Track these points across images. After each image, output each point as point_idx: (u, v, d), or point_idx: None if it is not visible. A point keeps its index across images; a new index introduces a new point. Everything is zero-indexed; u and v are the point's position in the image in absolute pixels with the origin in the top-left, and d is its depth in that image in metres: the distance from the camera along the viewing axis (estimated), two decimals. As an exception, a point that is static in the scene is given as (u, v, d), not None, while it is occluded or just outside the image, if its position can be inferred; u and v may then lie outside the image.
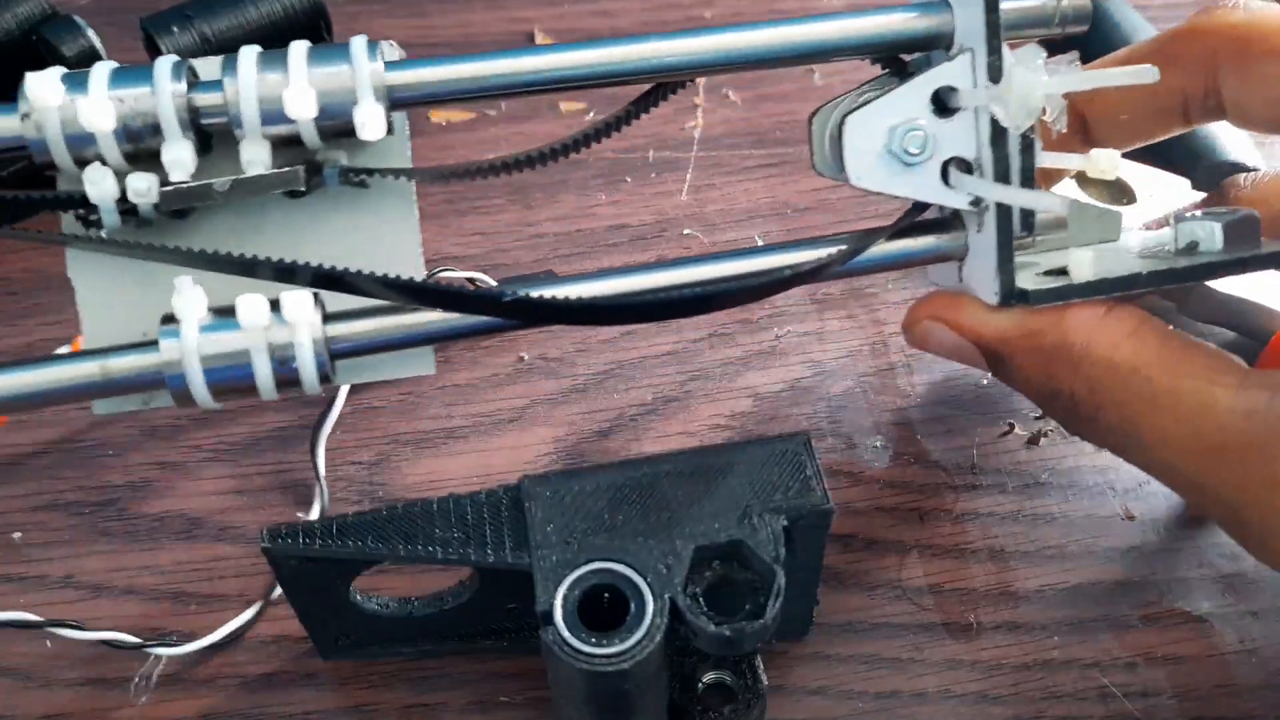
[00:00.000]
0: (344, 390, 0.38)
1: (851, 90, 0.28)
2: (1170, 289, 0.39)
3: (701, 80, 0.48)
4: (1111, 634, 0.34)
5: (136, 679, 0.33)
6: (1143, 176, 0.41)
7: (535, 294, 0.25)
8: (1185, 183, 0.41)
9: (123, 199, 0.25)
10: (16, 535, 0.35)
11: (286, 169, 0.26)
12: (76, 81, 0.25)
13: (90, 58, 0.42)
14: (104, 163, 0.25)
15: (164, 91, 0.25)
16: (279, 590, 0.31)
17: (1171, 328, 0.28)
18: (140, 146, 0.25)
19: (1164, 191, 0.41)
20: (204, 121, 0.25)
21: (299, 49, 0.25)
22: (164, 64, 0.25)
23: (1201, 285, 0.38)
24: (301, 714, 0.32)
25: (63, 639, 0.33)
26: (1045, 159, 0.27)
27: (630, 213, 0.44)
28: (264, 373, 0.25)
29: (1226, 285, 0.38)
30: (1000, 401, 0.39)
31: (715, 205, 0.44)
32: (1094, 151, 0.25)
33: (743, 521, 0.28)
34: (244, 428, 0.38)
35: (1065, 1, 0.27)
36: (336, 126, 0.25)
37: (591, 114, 0.47)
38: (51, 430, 0.37)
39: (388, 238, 0.27)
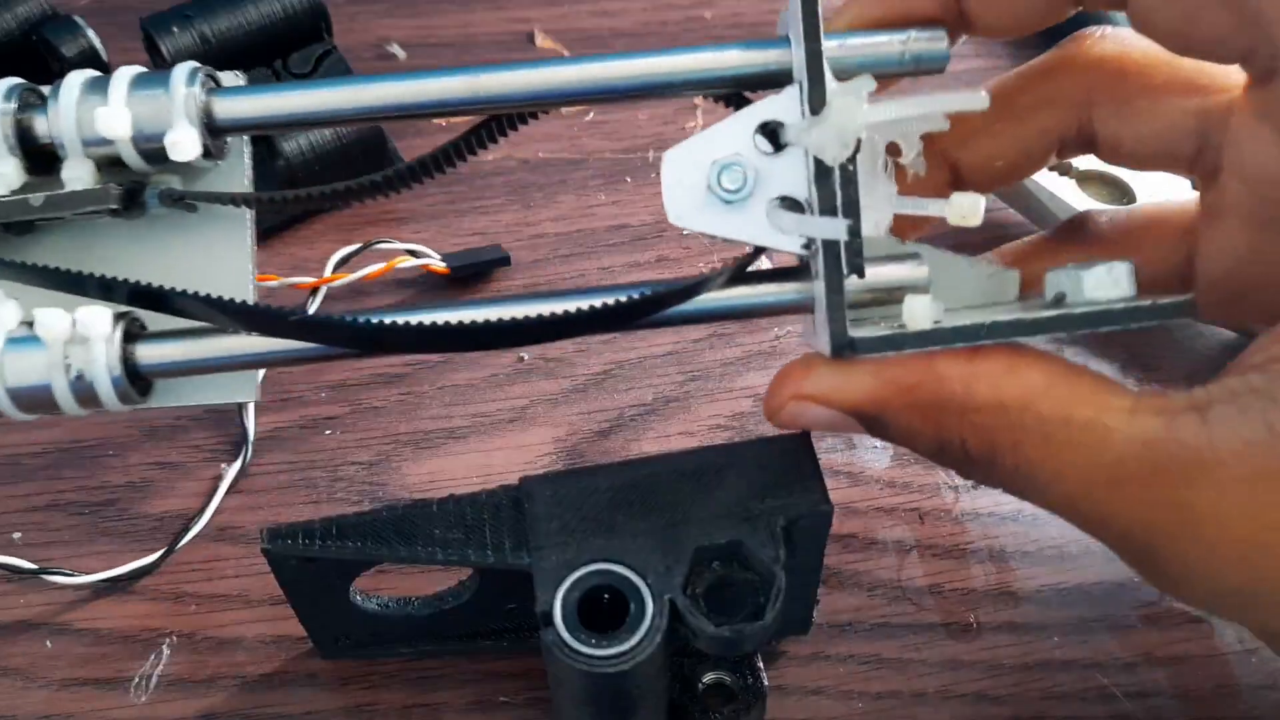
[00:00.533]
0: (250, 415, 0.37)
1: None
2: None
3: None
4: (1111, 634, 0.34)
5: (136, 679, 0.33)
6: (1143, 176, 0.41)
7: (355, 320, 0.25)
8: (1186, 183, 0.41)
9: None
10: (16, 535, 0.35)
11: (98, 187, 0.26)
12: None
13: (90, 58, 0.42)
14: None
15: None
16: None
17: (1048, 353, 0.26)
18: None
19: (1165, 191, 0.41)
20: (36, 142, 0.26)
21: (124, 74, 0.26)
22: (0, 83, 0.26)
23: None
24: (301, 714, 0.32)
25: (63, 639, 0.33)
26: (903, 204, 0.25)
27: (630, 213, 0.44)
28: (61, 388, 0.25)
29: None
30: (1000, 401, 0.39)
31: (715, 205, 0.44)
32: (955, 196, 0.24)
33: (743, 522, 0.28)
34: (244, 427, 0.38)
35: (914, 41, 0.25)
36: (154, 149, 0.26)
37: (591, 114, 0.47)
38: (51, 430, 0.37)
39: (219, 262, 0.28)
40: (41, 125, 0.26)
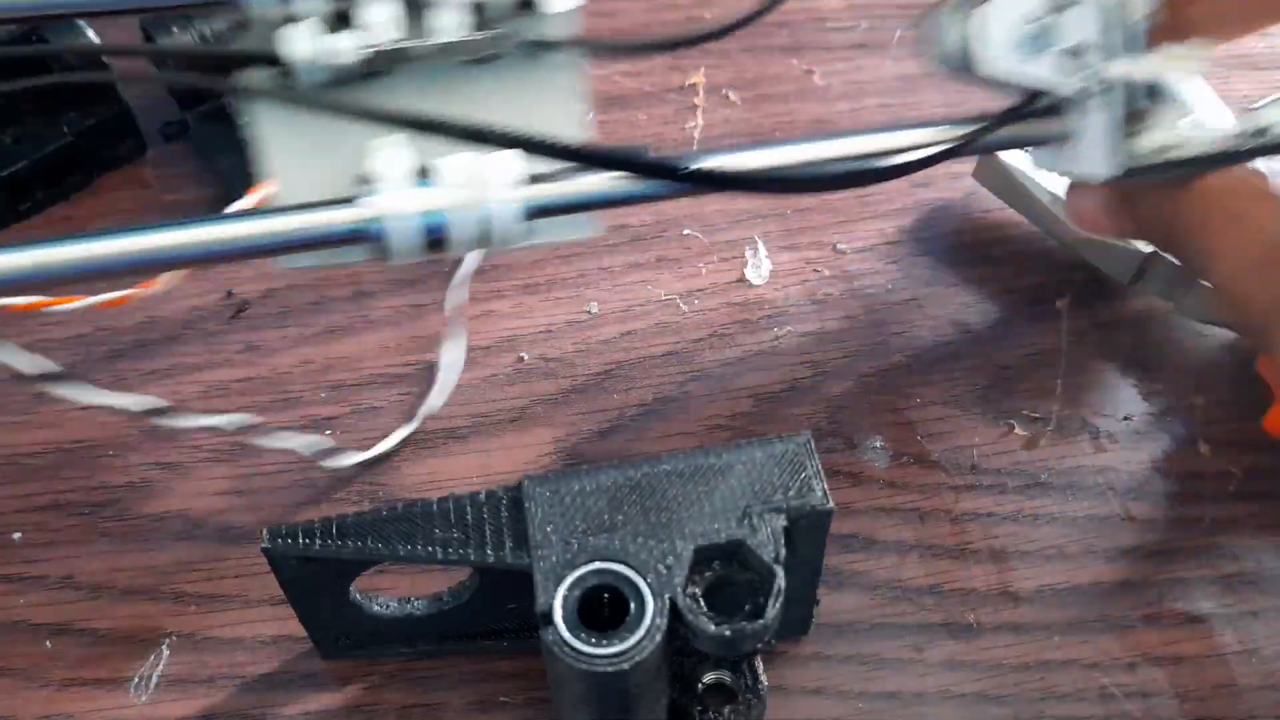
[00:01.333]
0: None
1: None
2: (1171, 289, 0.39)
3: (701, 80, 0.49)
4: (1111, 634, 0.34)
5: (136, 679, 0.33)
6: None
7: (712, 165, 0.28)
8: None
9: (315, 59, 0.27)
10: (16, 535, 0.35)
11: (485, 34, 0.28)
12: None
13: (90, 58, 0.42)
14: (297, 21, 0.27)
15: None
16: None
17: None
18: (341, 5, 0.27)
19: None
20: None
21: None
22: None
23: (1200, 286, 0.38)
24: (301, 714, 0.32)
25: (63, 639, 0.33)
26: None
27: (630, 212, 0.44)
28: (461, 230, 0.27)
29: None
30: (1000, 401, 0.39)
31: (715, 205, 0.44)
32: (1189, 42, 0.29)
33: (743, 522, 0.28)
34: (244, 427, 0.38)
35: None
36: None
37: (590, 114, 0.47)
38: (51, 430, 0.37)
39: (556, 107, 0.30)
40: None
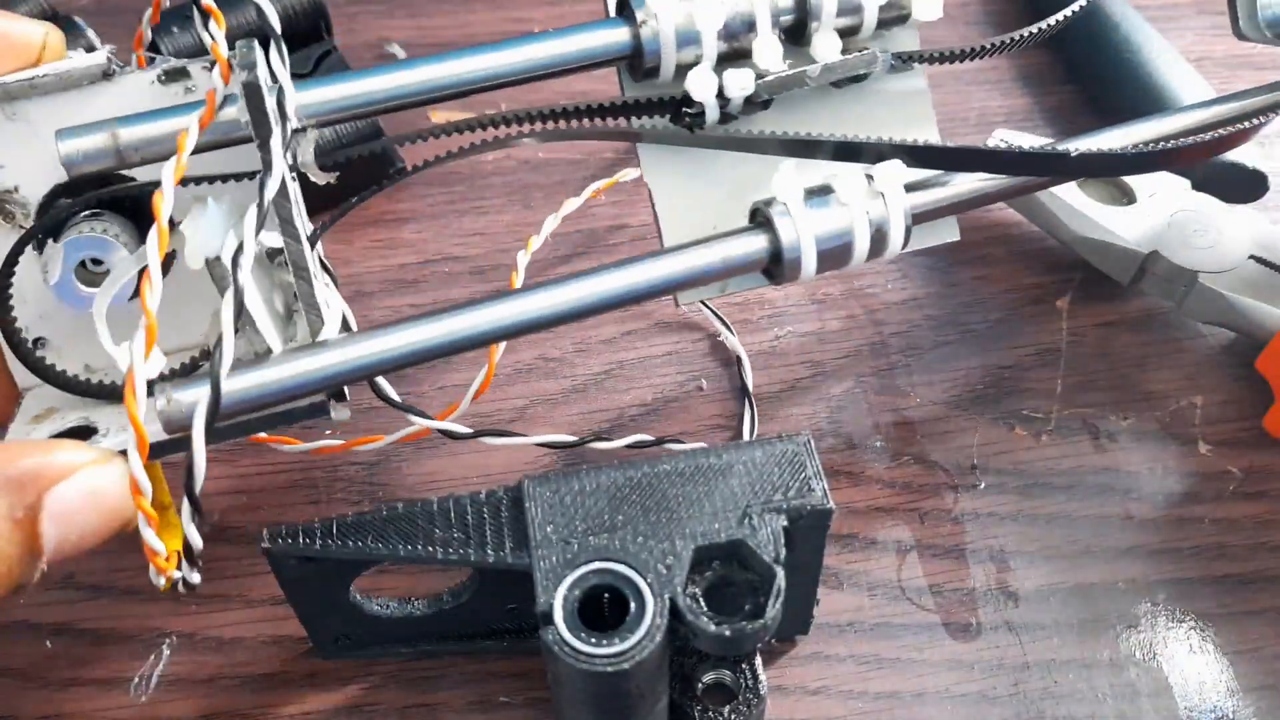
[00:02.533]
0: None
1: None
2: (1171, 289, 0.39)
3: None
4: (1111, 634, 0.34)
5: (136, 679, 0.33)
6: (1143, 176, 0.41)
7: (1094, 149, 0.30)
8: (1185, 183, 0.41)
9: (719, 96, 0.29)
10: (16, 535, 0.35)
11: (865, 53, 0.29)
12: None
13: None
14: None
15: None
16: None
17: None
18: (735, 45, 0.28)
19: (1165, 191, 0.41)
20: (784, 19, 0.29)
21: None
22: None
23: (1200, 286, 0.38)
24: (301, 714, 0.32)
25: (63, 639, 0.33)
26: None
27: (630, 213, 0.44)
28: (862, 241, 0.29)
29: (1226, 288, 0.38)
30: (1001, 400, 0.39)
31: (715, 205, 0.44)
32: None
33: (743, 521, 0.28)
34: (244, 428, 0.38)
35: None
36: (892, 15, 0.29)
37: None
38: (51, 430, 0.37)
39: (910, 117, 0.31)
40: (790, 3, 0.29)
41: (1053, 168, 0.30)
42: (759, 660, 0.31)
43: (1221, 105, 0.33)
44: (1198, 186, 0.41)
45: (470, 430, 0.34)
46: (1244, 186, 0.42)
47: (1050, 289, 0.42)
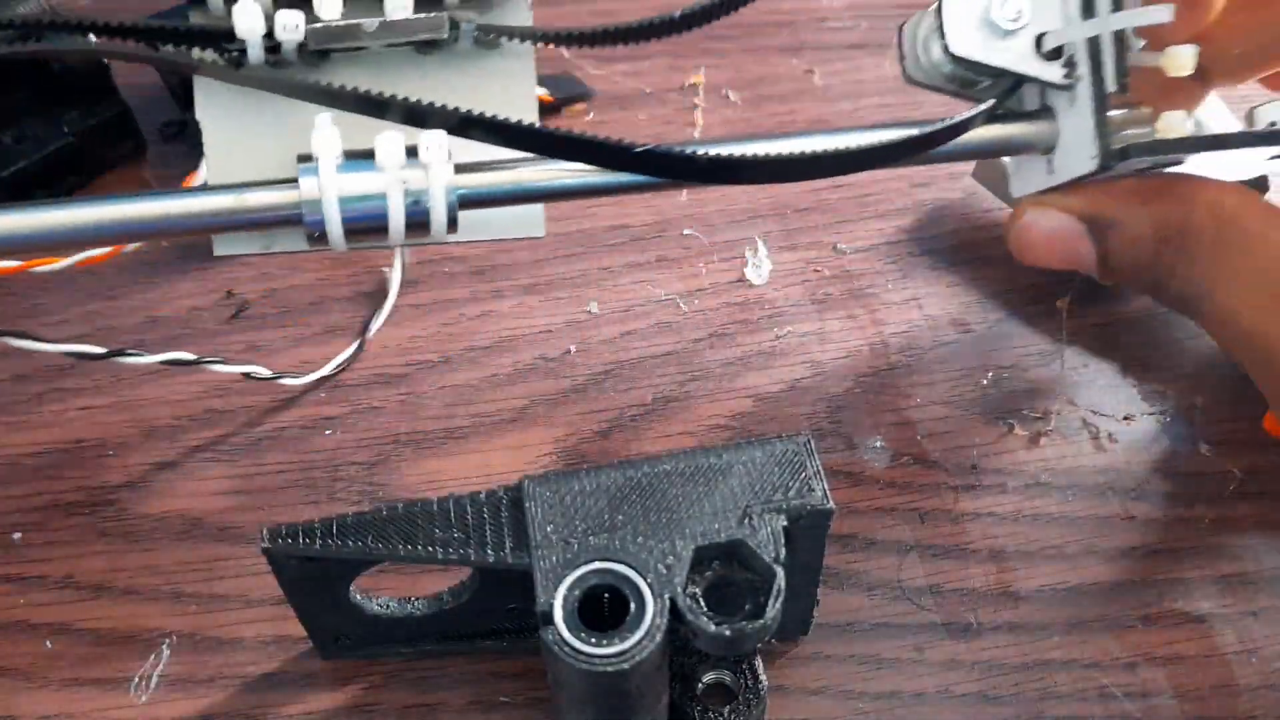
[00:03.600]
0: (396, 283, 0.40)
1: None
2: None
3: (701, 80, 0.49)
4: (1111, 634, 0.34)
5: (136, 679, 0.33)
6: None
7: (668, 150, 0.26)
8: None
9: (268, 36, 0.26)
10: (16, 535, 0.35)
11: (433, 14, 0.27)
12: None
13: (91, 59, 0.42)
14: None
15: None
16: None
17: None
18: None
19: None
20: None
21: None
22: None
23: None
24: (301, 714, 0.32)
25: (63, 639, 0.33)
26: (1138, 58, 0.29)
27: (630, 213, 0.44)
28: (398, 213, 0.26)
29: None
30: (1000, 401, 0.39)
31: (715, 205, 0.44)
32: (1169, 49, 0.28)
33: (743, 521, 0.28)
34: (244, 428, 0.38)
35: None
36: None
37: (590, 115, 0.47)
38: (51, 430, 0.37)
39: (507, 98, 0.29)
40: None
41: (612, 160, 0.27)
42: (759, 660, 0.31)
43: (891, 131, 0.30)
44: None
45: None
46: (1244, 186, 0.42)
47: (1050, 289, 0.42)
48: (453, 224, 0.27)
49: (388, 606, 0.31)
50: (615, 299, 0.42)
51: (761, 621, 0.26)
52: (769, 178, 0.29)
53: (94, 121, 0.43)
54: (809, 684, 0.33)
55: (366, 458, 0.37)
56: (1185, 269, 0.30)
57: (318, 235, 0.27)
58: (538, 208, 0.29)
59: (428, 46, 0.28)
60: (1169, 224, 0.30)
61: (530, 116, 0.28)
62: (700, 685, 0.31)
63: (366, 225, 0.27)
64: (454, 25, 0.28)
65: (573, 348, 0.40)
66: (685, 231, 0.44)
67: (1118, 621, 0.34)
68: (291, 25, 0.26)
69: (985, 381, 0.40)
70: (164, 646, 0.33)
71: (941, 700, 0.32)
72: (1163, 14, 0.28)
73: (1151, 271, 0.31)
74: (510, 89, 0.29)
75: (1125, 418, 0.39)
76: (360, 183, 0.26)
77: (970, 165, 0.43)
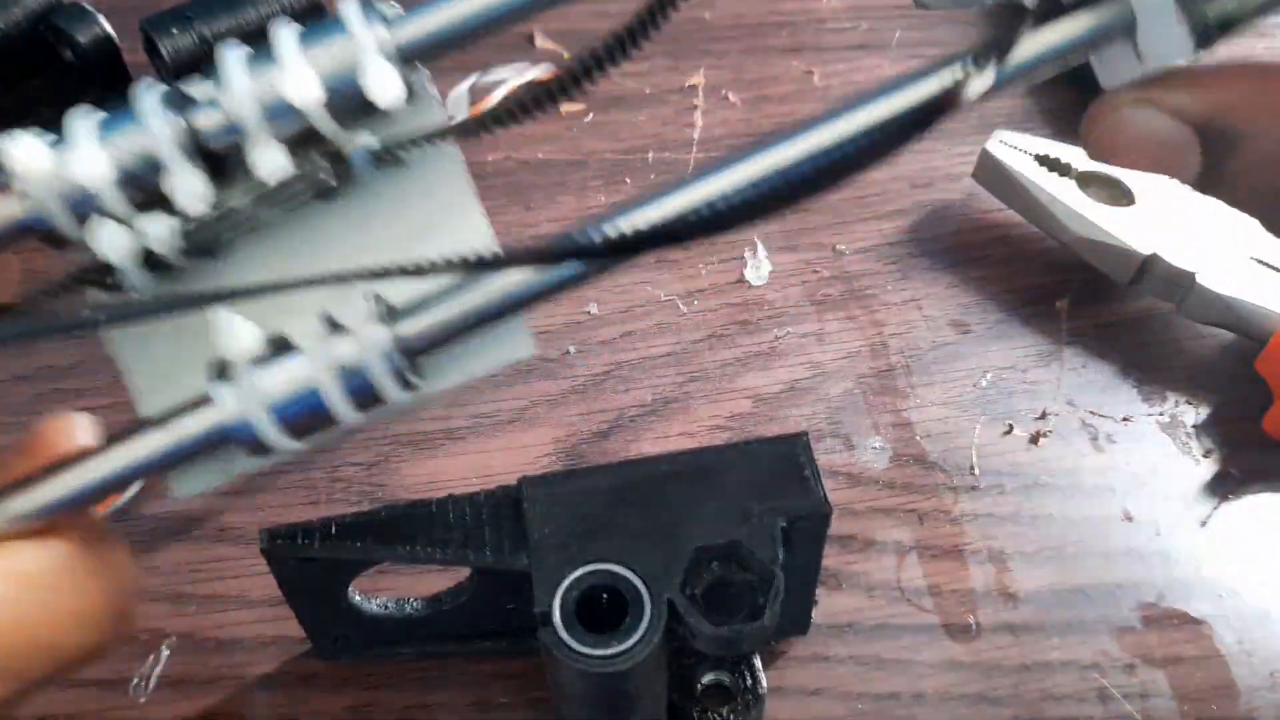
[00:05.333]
0: None
1: None
2: (1171, 289, 0.39)
3: (701, 81, 0.49)
4: (1111, 635, 0.34)
5: (136, 679, 0.33)
6: (1143, 177, 0.41)
7: (613, 230, 0.23)
8: (1185, 186, 0.41)
9: (144, 251, 0.23)
10: (17, 536, 0.35)
11: (308, 166, 0.23)
12: (61, 139, 0.22)
13: (105, 45, 0.42)
14: (110, 217, 0.22)
15: (157, 124, 0.22)
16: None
17: None
18: (146, 189, 0.22)
19: (1165, 192, 0.41)
20: (209, 144, 0.23)
21: (285, 35, 0.22)
22: (148, 96, 0.23)
23: (1199, 287, 0.38)
24: (301, 714, 0.32)
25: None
26: None
27: (630, 213, 0.44)
28: (337, 398, 0.22)
29: (1225, 289, 0.38)
30: (1000, 401, 0.39)
31: (715, 206, 0.44)
32: None
33: (742, 522, 0.28)
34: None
35: None
36: (349, 103, 0.22)
37: (591, 115, 0.47)
38: (52, 431, 0.37)
39: (445, 209, 0.25)
40: (208, 121, 0.22)
41: (543, 259, 0.23)
42: (758, 661, 0.31)
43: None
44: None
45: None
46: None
47: (1050, 289, 0.42)
48: (407, 384, 0.23)
49: (387, 607, 0.31)
50: (615, 299, 0.42)
51: (760, 622, 0.26)
52: (718, 230, 0.25)
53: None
54: (808, 684, 0.33)
55: (366, 458, 0.37)
56: None
57: (257, 447, 0.23)
58: (518, 326, 0.25)
59: (330, 191, 0.23)
60: None
61: (476, 223, 0.25)
62: (699, 686, 0.31)
63: (309, 420, 0.23)
64: (341, 161, 0.23)
65: (572, 348, 0.40)
66: None
67: (1117, 622, 0.34)
68: (163, 234, 0.22)
69: (984, 382, 0.40)
70: (164, 646, 0.33)
71: (941, 700, 0.32)
72: None
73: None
74: (443, 200, 0.25)
75: (1124, 418, 0.39)
76: (284, 377, 0.22)
77: (970, 166, 0.43)
